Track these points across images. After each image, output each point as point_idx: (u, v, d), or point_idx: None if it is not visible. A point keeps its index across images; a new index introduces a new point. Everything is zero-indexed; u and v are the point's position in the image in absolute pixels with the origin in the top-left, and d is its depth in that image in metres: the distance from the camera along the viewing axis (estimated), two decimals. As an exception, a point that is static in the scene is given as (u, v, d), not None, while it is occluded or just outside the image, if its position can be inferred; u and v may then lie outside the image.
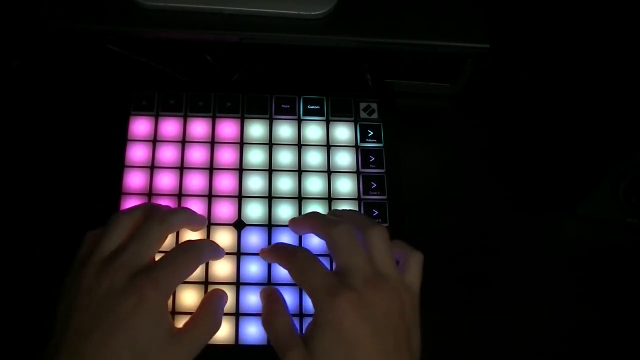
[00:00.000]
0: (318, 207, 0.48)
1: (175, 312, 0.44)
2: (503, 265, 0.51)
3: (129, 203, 0.47)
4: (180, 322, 0.41)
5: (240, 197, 0.48)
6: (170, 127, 0.50)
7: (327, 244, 0.41)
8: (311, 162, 0.50)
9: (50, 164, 0.51)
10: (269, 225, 0.47)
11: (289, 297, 0.45)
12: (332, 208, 0.48)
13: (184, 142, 0.50)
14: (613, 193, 0.49)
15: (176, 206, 0.47)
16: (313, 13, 0.50)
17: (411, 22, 0.51)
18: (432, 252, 0.50)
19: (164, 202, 0.47)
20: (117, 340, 0.35)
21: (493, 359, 0.48)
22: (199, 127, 0.50)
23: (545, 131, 0.56)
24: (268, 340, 0.43)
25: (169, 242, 0.45)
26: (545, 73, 0.59)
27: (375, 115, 0.52)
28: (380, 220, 0.48)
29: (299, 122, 0.51)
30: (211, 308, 0.41)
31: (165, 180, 0.48)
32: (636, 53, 0.54)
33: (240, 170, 0.49)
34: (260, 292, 0.44)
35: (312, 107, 0.52)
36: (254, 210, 0.48)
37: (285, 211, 0.48)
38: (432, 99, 0.57)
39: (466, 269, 0.51)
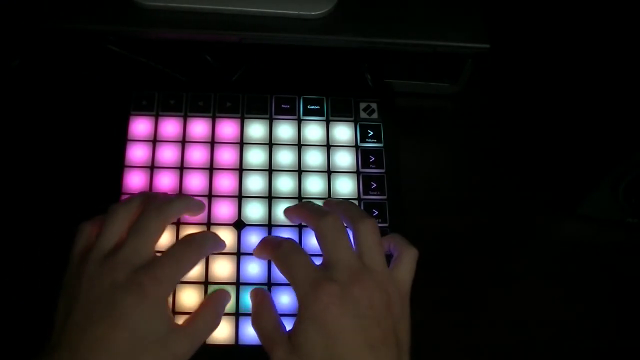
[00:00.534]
0: (318, 207, 0.48)
1: (175, 312, 0.44)
2: (503, 265, 0.51)
3: (129, 203, 0.47)
4: (180, 321, 0.41)
5: (240, 197, 0.48)
6: (170, 127, 0.50)
7: (315, 235, 0.41)
8: (311, 162, 0.50)
9: (51, 164, 0.51)
10: (269, 225, 0.47)
11: (288, 296, 0.45)
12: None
13: (184, 142, 0.50)
14: (613, 193, 0.49)
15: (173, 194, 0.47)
16: (313, 13, 0.50)
17: (411, 23, 0.51)
18: (431, 252, 0.50)
19: (164, 202, 0.47)
20: (118, 334, 0.35)
21: (492, 358, 0.48)
22: (199, 127, 0.50)
23: (545, 131, 0.56)
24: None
25: (169, 236, 0.46)
26: (545, 73, 0.59)
27: (375, 115, 0.52)
28: (380, 220, 0.48)
29: (299, 122, 0.51)
30: (213, 306, 0.42)
31: (165, 181, 0.48)
32: (636, 53, 0.54)
33: (240, 170, 0.49)
34: (250, 293, 0.44)
35: (312, 107, 0.52)
36: (254, 210, 0.48)
37: (285, 211, 0.48)
38: (432, 99, 0.57)
39: (466, 269, 0.51)
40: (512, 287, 0.50)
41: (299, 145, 0.50)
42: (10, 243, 0.48)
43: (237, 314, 0.44)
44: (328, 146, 0.51)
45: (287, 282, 0.44)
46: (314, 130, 0.51)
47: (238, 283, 0.45)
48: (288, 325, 0.41)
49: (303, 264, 0.39)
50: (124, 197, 0.47)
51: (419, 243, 0.45)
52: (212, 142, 0.50)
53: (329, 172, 0.50)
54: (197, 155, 0.49)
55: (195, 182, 0.48)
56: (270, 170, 0.49)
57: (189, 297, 0.44)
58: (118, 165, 0.48)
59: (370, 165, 0.50)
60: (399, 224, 0.48)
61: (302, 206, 0.45)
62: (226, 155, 0.50)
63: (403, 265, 0.41)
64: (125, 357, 0.35)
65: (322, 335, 0.36)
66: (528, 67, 0.60)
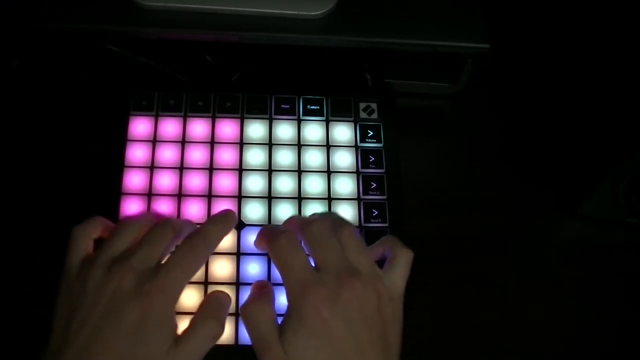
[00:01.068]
0: (318, 207, 0.48)
1: (176, 313, 0.44)
2: (503, 265, 0.51)
3: (129, 203, 0.47)
4: (180, 322, 0.41)
5: (240, 197, 0.48)
6: (170, 127, 0.50)
7: (304, 242, 0.41)
8: (311, 162, 0.50)
9: (51, 164, 0.51)
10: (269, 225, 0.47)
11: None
12: (332, 208, 0.48)
13: (183, 142, 0.50)
14: (613, 193, 0.49)
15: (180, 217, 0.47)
16: (313, 13, 0.50)
17: (411, 22, 0.51)
18: (431, 252, 0.50)
19: (164, 202, 0.47)
20: (121, 345, 0.35)
21: (493, 358, 0.48)
22: (198, 127, 0.50)
23: (545, 131, 0.56)
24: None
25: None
26: (545, 73, 0.59)
27: (375, 115, 0.52)
28: (380, 220, 0.48)
29: (299, 122, 0.51)
30: (211, 311, 0.40)
31: (165, 181, 0.48)
32: (636, 53, 0.54)
33: (240, 170, 0.49)
34: (254, 283, 0.43)
35: (312, 107, 0.52)
36: (254, 211, 0.48)
37: (285, 211, 0.48)
38: (432, 99, 0.57)
39: (466, 269, 0.50)
40: (512, 287, 0.50)
41: (299, 145, 0.50)
42: (9, 243, 0.48)
43: (237, 314, 0.44)
44: (328, 146, 0.51)
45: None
46: (313, 130, 0.51)
47: (238, 283, 0.45)
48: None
49: (296, 263, 0.39)
50: (124, 197, 0.47)
51: (419, 243, 0.45)
52: (212, 142, 0.50)
53: (328, 172, 0.50)
54: (197, 155, 0.49)
55: (195, 182, 0.48)
56: (270, 171, 0.49)
57: (189, 297, 0.44)
58: (118, 165, 0.48)
59: (370, 165, 0.50)
60: (398, 224, 0.48)
61: (289, 219, 0.45)
62: (226, 155, 0.50)
63: (396, 268, 0.40)
64: None
65: (312, 339, 0.36)
66: (528, 67, 0.60)
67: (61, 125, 0.53)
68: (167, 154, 0.49)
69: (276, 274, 0.45)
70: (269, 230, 0.43)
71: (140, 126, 0.50)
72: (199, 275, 0.45)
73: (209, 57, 0.55)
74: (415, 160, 0.54)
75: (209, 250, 0.42)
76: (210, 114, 0.51)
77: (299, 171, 0.49)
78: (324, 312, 0.36)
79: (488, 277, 0.50)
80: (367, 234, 0.48)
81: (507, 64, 0.59)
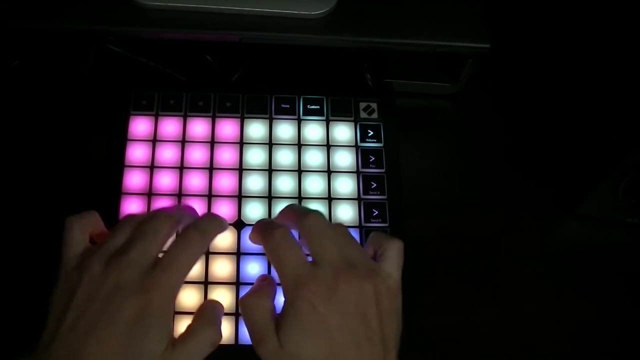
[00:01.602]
0: (318, 207, 0.48)
1: (175, 312, 0.43)
2: (503, 265, 0.51)
3: (129, 203, 0.47)
4: (179, 322, 0.41)
5: (240, 197, 0.48)
6: (170, 127, 0.50)
7: (300, 234, 0.40)
8: (311, 162, 0.50)
9: (51, 164, 0.51)
10: (269, 225, 0.47)
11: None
12: (332, 208, 0.48)
13: (183, 142, 0.50)
14: (613, 193, 0.49)
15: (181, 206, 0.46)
16: (313, 13, 0.50)
17: (411, 22, 0.51)
18: (432, 252, 0.50)
19: (164, 202, 0.47)
20: (116, 340, 0.35)
21: (493, 358, 0.48)
22: (199, 127, 0.50)
23: (545, 131, 0.56)
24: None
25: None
26: (545, 73, 0.59)
27: (375, 115, 0.52)
28: (380, 220, 0.48)
29: (299, 122, 0.51)
30: (208, 317, 0.40)
31: (165, 180, 0.48)
32: (636, 53, 0.54)
33: (240, 170, 0.49)
34: (258, 277, 0.43)
35: (312, 107, 0.52)
36: (254, 210, 0.48)
37: (285, 211, 0.48)
38: (432, 99, 0.57)
39: (466, 269, 0.51)
40: (511, 286, 0.50)
41: (299, 145, 0.50)
42: (9, 243, 0.48)
43: (237, 314, 0.44)
44: (328, 146, 0.51)
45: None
46: (314, 130, 0.51)
47: (238, 283, 0.45)
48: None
49: (292, 258, 0.39)
50: (124, 197, 0.47)
51: (419, 243, 0.45)
52: (212, 142, 0.50)
53: (329, 172, 0.50)
54: (197, 155, 0.49)
55: (195, 182, 0.48)
56: (270, 170, 0.49)
57: (189, 297, 0.44)
58: (118, 165, 0.48)
59: (370, 165, 0.50)
60: (398, 224, 0.48)
61: (284, 210, 0.44)
62: (226, 155, 0.50)
63: (389, 259, 0.40)
64: None
65: (308, 333, 0.36)
66: (528, 67, 0.60)
67: (61, 125, 0.53)
68: (167, 153, 0.49)
69: (276, 275, 0.45)
70: (264, 225, 0.42)
71: (140, 126, 0.50)
72: (199, 275, 0.45)
73: (209, 57, 0.55)
74: (415, 160, 0.54)
75: (206, 246, 0.41)
76: (210, 114, 0.51)
77: (299, 171, 0.49)
78: (320, 306, 0.36)
79: (488, 276, 0.50)
80: (367, 234, 0.47)
81: (507, 64, 0.59)
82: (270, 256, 0.40)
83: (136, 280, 0.36)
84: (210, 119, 0.51)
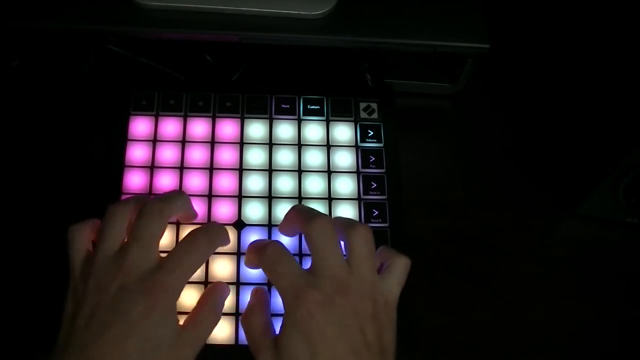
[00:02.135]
0: (318, 207, 0.48)
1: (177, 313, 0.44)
2: (503, 265, 0.51)
3: (129, 203, 0.47)
4: (181, 321, 0.41)
5: (240, 197, 0.48)
6: (170, 127, 0.50)
7: (305, 239, 0.40)
8: (311, 162, 0.50)
9: (50, 164, 0.51)
10: (269, 225, 0.47)
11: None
12: (332, 208, 0.48)
13: (184, 142, 0.50)
14: (613, 193, 0.49)
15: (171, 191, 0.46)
16: (313, 13, 0.50)
17: (411, 22, 0.51)
18: (432, 252, 0.50)
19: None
20: (128, 341, 0.35)
21: (493, 358, 0.48)
22: (199, 127, 0.50)
23: (545, 131, 0.56)
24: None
25: (170, 236, 0.46)
26: (545, 73, 0.59)
27: (375, 115, 0.52)
28: (380, 220, 0.48)
29: (299, 122, 0.51)
30: (212, 303, 0.41)
31: (165, 180, 0.48)
32: (636, 53, 0.54)
33: (240, 170, 0.49)
34: (252, 291, 0.43)
35: (312, 107, 0.52)
36: (254, 211, 0.48)
37: (285, 211, 0.47)
38: (432, 99, 0.57)
39: (466, 269, 0.51)
40: (511, 287, 0.50)
41: (299, 145, 0.50)
42: (9, 243, 0.48)
43: (237, 314, 0.44)
44: (328, 146, 0.51)
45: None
46: (314, 130, 0.51)
47: (238, 283, 0.45)
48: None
49: (286, 270, 0.39)
50: (124, 197, 0.47)
51: (419, 243, 0.45)
52: (212, 142, 0.50)
53: (329, 172, 0.50)
54: (197, 155, 0.49)
55: (195, 182, 0.48)
56: (270, 170, 0.49)
57: (189, 297, 0.44)
58: (118, 165, 0.48)
59: (370, 165, 0.50)
60: (398, 224, 0.48)
61: (292, 210, 0.44)
62: (226, 155, 0.50)
63: (392, 275, 0.40)
64: None
65: (306, 343, 0.36)
66: (528, 67, 0.60)
67: (61, 125, 0.53)
68: (167, 153, 0.49)
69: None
70: (255, 246, 0.43)
71: (140, 126, 0.50)
72: (199, 275, 0.45)
73: (209, 57, 0.55)
74: (415, 160, 0.54)
75: (211, 251, 0.42)
76: (211, 114, 0.51)
77: (299, 171, 0.49)
78: (318, 317, 0.36)
79: (488, 276, 0.50)
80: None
81: (507, 64, 0.59)
82: (267, 272, 0.40)
83: (140, 282, 0.37)
84: (210, 119, 0.51)
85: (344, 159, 0.50)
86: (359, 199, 0.49)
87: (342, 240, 0.40)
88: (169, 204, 0.41)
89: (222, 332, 0.44)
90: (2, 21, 0.49)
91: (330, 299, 0.37)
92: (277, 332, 0.38)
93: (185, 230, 0.46)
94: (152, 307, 0.36)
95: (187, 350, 0.38)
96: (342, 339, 0.37)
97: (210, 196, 0.48)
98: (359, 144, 0.51)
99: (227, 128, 0.51)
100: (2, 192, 0.50)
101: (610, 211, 0.51)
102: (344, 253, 0.40)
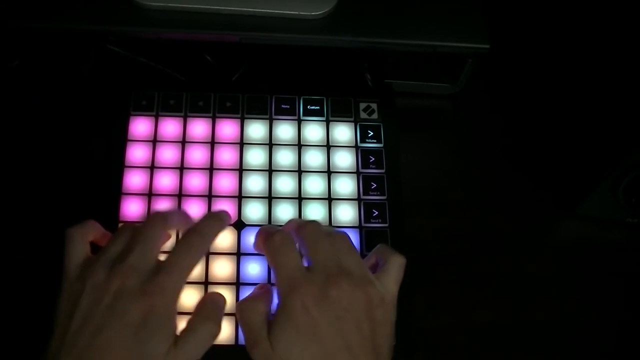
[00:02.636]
0: (318, 207, 0.48)
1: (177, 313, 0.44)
2: (503, 265, 0.51)
3: (129, 203, 0.47)
4: (180, 322, 0.41)
5: (240, 197, 0.48)
6: (170, 127, 0.50)
7: (299, 242, 0.41)
8: (311, 162, 0.50)
9: (50, 164, 0.51)
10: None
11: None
12: (332, 208, 0.48)
13: (184, 142, 0.50)
14: (613, 193, 0.49)
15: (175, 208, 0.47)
16: (313, 13, 0.50)
17: (411, 22, 0.51)
18: (432, 252, 0.50)
19: (164, 202, 0.47)
20: (123, 342, 0.35)
21: (493, 358, 0.48)
22: (199, 127, 0.50)
23: (545, 131, 0.56)
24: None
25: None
26: (545, 73, 0.59)
27: (375, 115, 0.52)
28: (380, 220, 0.48)
29: (299, 122, 0.51)
30: (208, 312, 0.41)
31: (165, 181, 0.48)
32: (636, 53, 0.54)
33: (240, 170, 0.49)
34: (257, 285, 0.44)
35: (312, 107, 0.52)
36: (254, 211, 0.48)
37: (285, 211, 0.48)
38: (432, 99, 0.57)
39: (466, 269, 0.51)
40: (511, 286, 0.50)
41: (299, 145, 0.50)
42: (9, 243, 0.48)
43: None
44: (328, 146, 0.51)
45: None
46: (314, 131, 0.51)
47: (238, 283, 0.45)
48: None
49: (288, 261, 0.39)
50: (124, 197, 0.47)
51: (419, 243, 0.45)
52: (212, 142, 0.50)
53: (329, 172, 0.50)
54: (197, 155, 0.49)
55: (195, 182, 0.48)
56: (270, 171, 0.49)
57: (189, 297, 0.44)
58: (118, 165, 0.48)
59: (370, 166, 0.50)
60: (398, 224, 0.48)
61: (288, 222, 0.44)
62: (226, 156, 0.50)
63: (388, 272, 0.41)
64: None
65: (299, 336, 0.36)
66: (528, 67, 0.60)
67: (61, 125, 0.53)
68: (167, 154, 0.49)
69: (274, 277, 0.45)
70: (265, 230, 0.43)
71: (140, 126, 0.50)
72: (199, 275, 0.45)
73: (209, 57, 0.55)
74: (415, 160, 0.54)
75: (206, 247, 0.41)
76: (211, 114, 0.51)
77: (299, 171, 0.49)
78: (312, 309, 0.37)
79: (488, 277, 0.50)
80: (367, 234, 0.48)
81: (507, 64, 0.59)
82: (269, 259, 0.40)
83: (138, 285, 0.37)
84: (210, 119, 0.51)
85: (344, 159, 0.50)
86: (358, 199, 0.49)
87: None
88: (170, 214, 0.42)
89: (223, 332, 0.43)
90: (2, 21, 0.49)
91: (325, 292, 0.37)
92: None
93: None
94: (149, 310, 0.36)
95: (184, 358, 0.37)
96: (336, 333, 0.37)
97: (210, 196, 0.48)
98: (359, 144, 0.51)
99: (227, 128, 0.51)
100: (2, 192, 0.50)
101: (610, 211, 0.51)
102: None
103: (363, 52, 0.55)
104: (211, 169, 0.49)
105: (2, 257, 0.48)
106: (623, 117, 0.50)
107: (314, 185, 0.49)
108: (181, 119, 0.51)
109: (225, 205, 0.48)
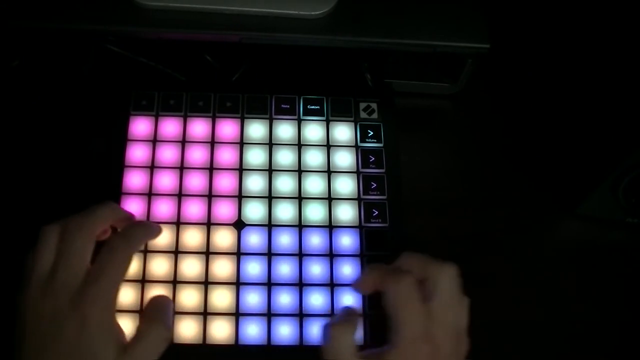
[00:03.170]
0: (318, 207, 0.48)
1: (176, 313, 0.44)
2: (503, 265, 0.51)
3: (129, 203, 0.47)
4: (180, 323, 0.41)
5: (240, 197, 0.48)
6: (170, 127, 0.50)
7: (387, 299, 0.40)
8: (311, 162, 0.50)
9: (51, 164, 0.51)
10: (269, 225, 0.47)
11: (289, 296, 0.45)
12: (332, 208, 0.48)
13: (184, 142, 0.50)
14: (613, 193, 0.49)
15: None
16: (313, 13, 0.50)
17: (411, 22, 0.51)
18: (432, 252, 0.50)
19: (164, 202, 0.47)
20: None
21: (493, 358, 0.48)
22: (199, 127, 0.50)
23: (545, 131, 0.56)
24: (267, 340, 0.44)
25: (170, 235, 0.46)
26: (545, 73, 0.59)
27: (375, 115, 0.52)
28: (380, 220, 0.48)
29: (299, 122, 0.51)
30: (156, 315, 0.41)
31: (165, 181, 0.48)
32: (636, 53, 0.54)
33: (240, 170, 0.49)
34: (343, 308, 0.44)
35: (312, 107, 0.52)
36: (254, 211, 0.48)
37: (285, 211, 0.48)
38: (432, 99, 0.57)
39: (466, 269, 0.50)
40: (511, 287, 0.50)
41: (299, 145, 0.50)
42: (8, 243, 0.48)
43: (237, 314, 0.44)
44: (328, 146, 0.51)
45: (287, 282, 0.45)
46: (314, 130, 0.51)
47: (238, 283, 0.45)
48: (287, 327, 0.42)
49: (415, 311, 0.39)
50: (124, 197, 0.47)
51: (419, 243, 0.45)
52: (212, 142, 0.50)
53: (329, 172, 0.50)
54: (197, 155, 0.49)
55: (195, 182, 0.48)
56: (270, 170, 0.49)
57: (189, 298, 0.44)
58: (118, 165, 0.48)
59: (370, 165, 0.50)
60: (398, 224, 0.48)
61: (372, 271, 0.42)
62: (226, 155, 0.50)
63: (459, 315, 0.42)
64: None
65: None
66: (528, 67, 0.60)
67: (61, 125, 0.53)
68: (167, 154, 0.49)
69: (276, 275, 0.45)
70: (390, 270, 0.41)
71: (140, 126, 0.50)
72: (199, 275, 0.45)
73: (209, 57, 0.55)
74: (415, 160, 0.54)
75: (132, 250, 0.41)
76: (211, 114, 0.51)
77: (299, 171, 0.49)
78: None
79: (488, 277, 0.50)
80: (367, 233, 0.48)
81: (507, 64, 0.59)
82: (395, 300, 0.39)
83: (70, 299, 0.37)
84: (210, 119, 0.51)
85: (344, 159, 0.50)
86: (358, 199, 0.49)
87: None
88: (88, 217, 0.40)
89: (222, 332, 0.44)
90: (2, 21, 0.49)
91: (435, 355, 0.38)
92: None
93: (188, 230, 0.46)
94: (83, 323, 0.36)
95: None
96: None
97: (210, 196, 0.48)
98: (359, 144, 0.51)
99: (227, 128, 0.51)
100: (2, 192, 0.50)
101: (610, 211, 0.51)
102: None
103: (363, 52, 0.55)
104: (211, 169, 0.49)
105: (2, 257, 0.48)
106: (623, 117, 0.50)
107: (314, 185, 0.49)
108: (181, 119, 0.51)
109: (225, 205, 0.48)
